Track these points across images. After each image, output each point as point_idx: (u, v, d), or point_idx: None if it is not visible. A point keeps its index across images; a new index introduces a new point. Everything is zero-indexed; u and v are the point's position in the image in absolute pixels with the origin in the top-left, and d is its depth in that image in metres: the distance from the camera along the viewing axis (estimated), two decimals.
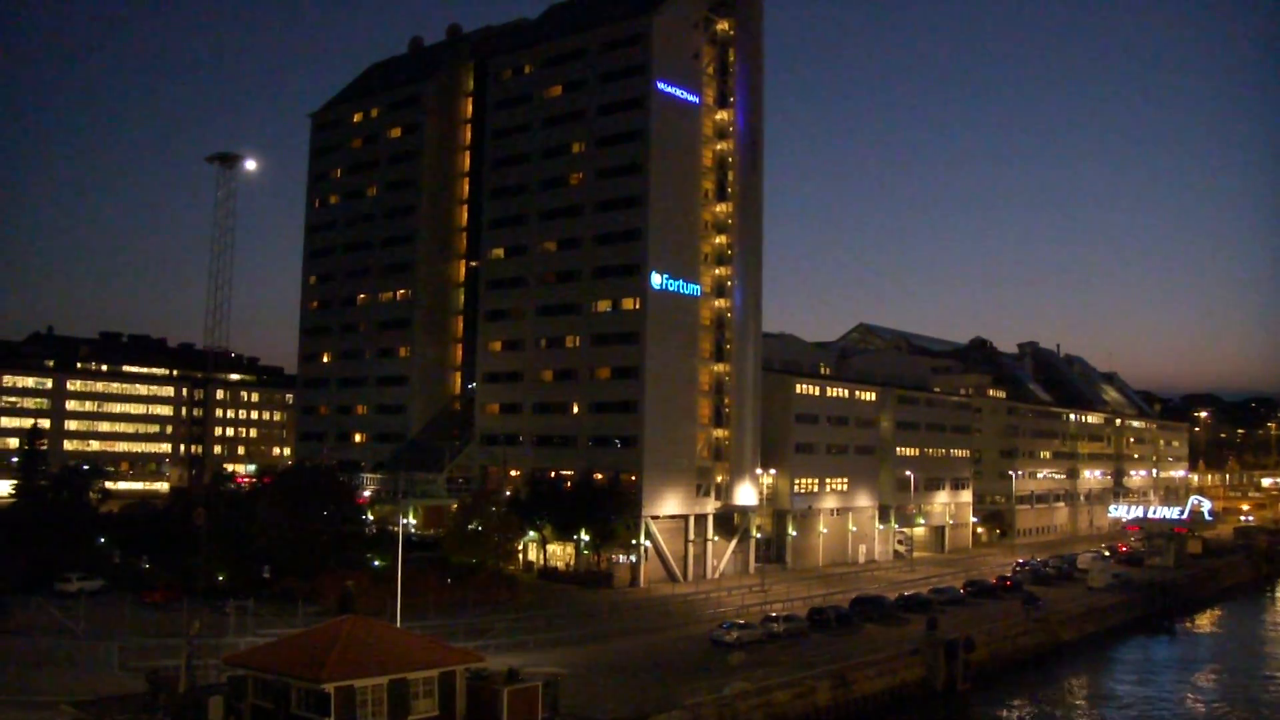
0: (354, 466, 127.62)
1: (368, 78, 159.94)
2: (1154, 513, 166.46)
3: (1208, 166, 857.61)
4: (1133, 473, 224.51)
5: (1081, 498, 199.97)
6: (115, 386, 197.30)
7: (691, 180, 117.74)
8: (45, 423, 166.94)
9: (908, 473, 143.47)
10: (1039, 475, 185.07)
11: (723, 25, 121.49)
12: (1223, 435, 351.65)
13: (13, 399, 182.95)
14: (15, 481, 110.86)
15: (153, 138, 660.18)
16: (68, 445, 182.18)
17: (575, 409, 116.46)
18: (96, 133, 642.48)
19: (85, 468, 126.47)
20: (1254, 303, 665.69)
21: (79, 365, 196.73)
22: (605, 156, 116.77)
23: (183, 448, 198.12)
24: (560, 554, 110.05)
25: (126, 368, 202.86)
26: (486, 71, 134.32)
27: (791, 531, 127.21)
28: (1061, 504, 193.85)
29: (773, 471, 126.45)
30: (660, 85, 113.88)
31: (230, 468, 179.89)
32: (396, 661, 47.32)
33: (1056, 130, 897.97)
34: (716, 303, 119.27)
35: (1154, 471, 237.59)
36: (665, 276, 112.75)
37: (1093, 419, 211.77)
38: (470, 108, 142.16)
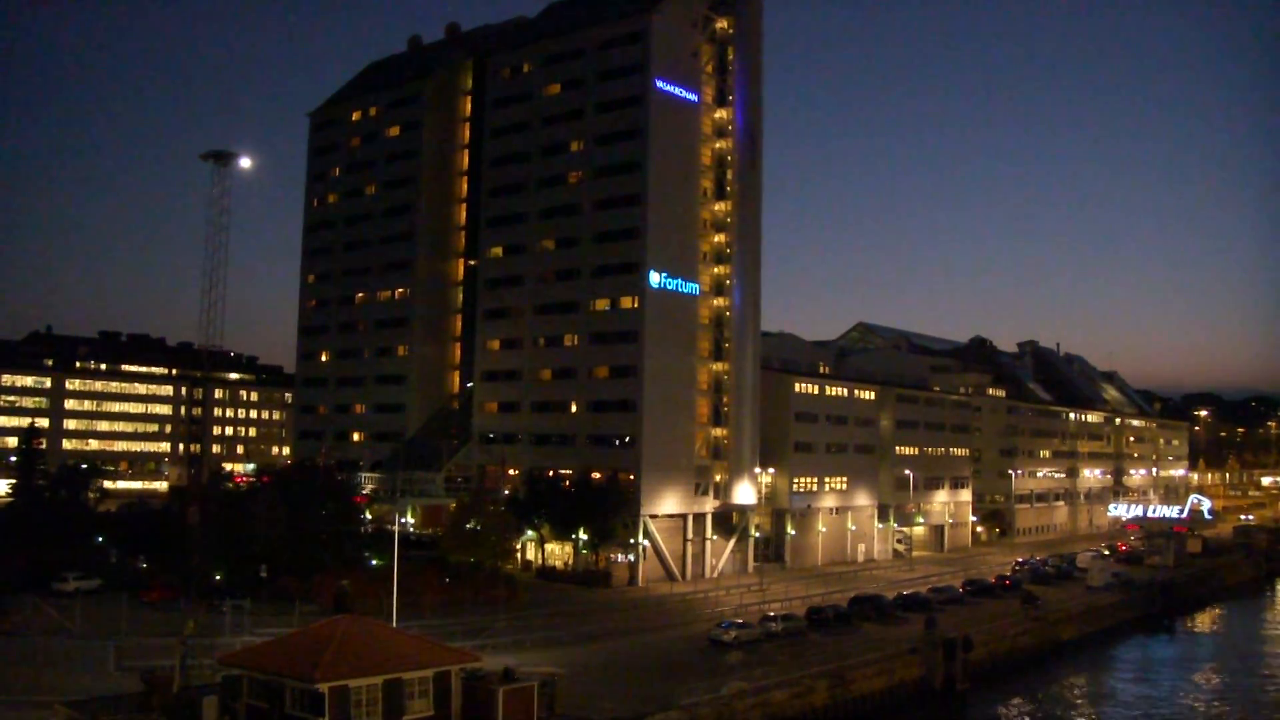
0: (352, 465, 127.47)
1: (366, 76, 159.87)
2: (1154, 512, 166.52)
3: (1208, 166, 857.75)
4: (1132, 472, 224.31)
5: (1081, 497, 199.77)
6: (114, 386, 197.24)
7: (690, 179, 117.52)
8: (44, 422, 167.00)
9: (907, 472, 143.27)
10: (1038, 474, 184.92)
11: (722, 23, 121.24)
12: (1223, 434, 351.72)
13: (11, 398, 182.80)
14: (13, 481, 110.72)
15: (153, 137, 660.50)
16: (67, 444, 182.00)
17: (574, 408, 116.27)
18: (96, 132, 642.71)
19: (83, 467, 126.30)
20: (1254, 302, 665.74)
21: (78, 364, 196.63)
22: (604, 155, 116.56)
23: (181, 447, 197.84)
24: (558, 553, 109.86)
25: (125, 367, 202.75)
26: (485, 70, 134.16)
27: (790, 530, 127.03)
28: (1061, 503, 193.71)
29: (771, 470, 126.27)
30: (659, 83, 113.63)
31: (229, 467, 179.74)
32: (391, 661, 47.12)
33: (1056, 130, 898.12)
34: (715, 301, 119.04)
35: (1154, 470, 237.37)
36: (664, 275, 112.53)
37: (1092, 418, 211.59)
38: (469, 106, 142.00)
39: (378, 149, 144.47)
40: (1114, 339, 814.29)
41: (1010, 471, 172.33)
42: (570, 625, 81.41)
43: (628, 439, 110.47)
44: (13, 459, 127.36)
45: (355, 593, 79.79)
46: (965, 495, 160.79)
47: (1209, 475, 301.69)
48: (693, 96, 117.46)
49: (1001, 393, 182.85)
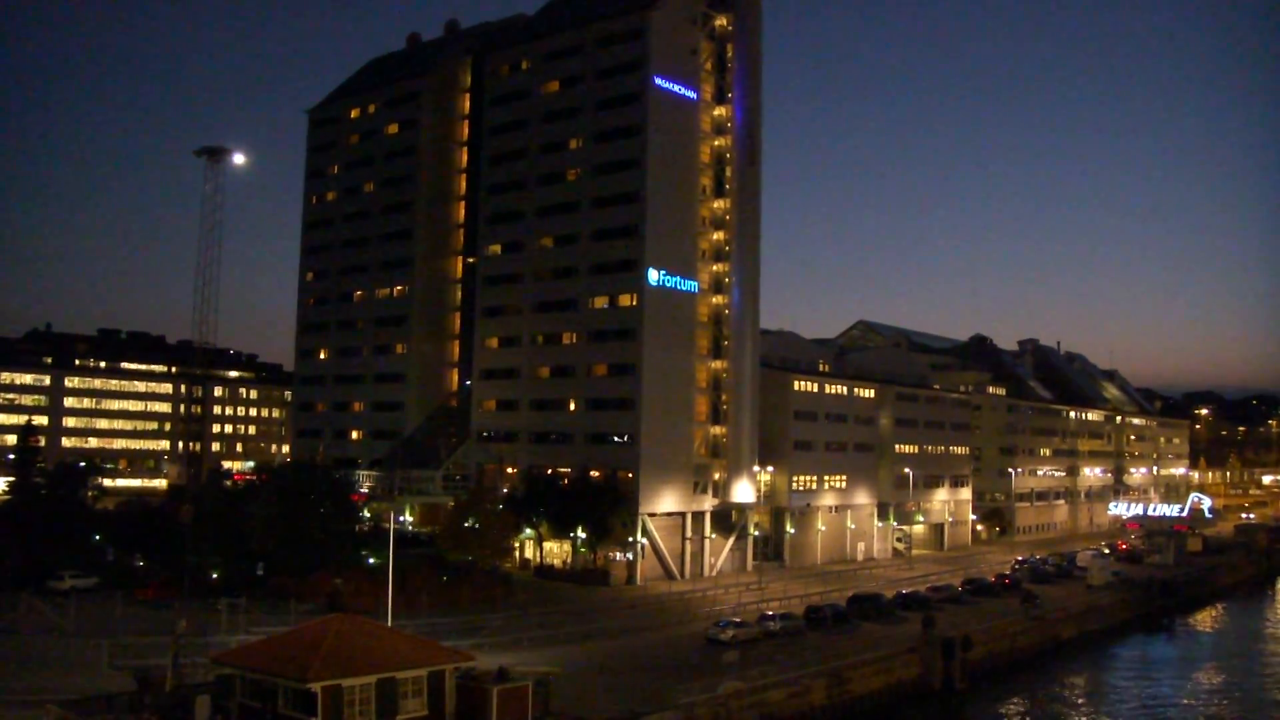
0: (350, 463, 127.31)
1: (365, 74, 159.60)
2: (1154, 510, 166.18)
3: (1208, 165, 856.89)
4: (1133, 470, 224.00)
5: (1081, 495, 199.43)
6: (113, 383, 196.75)
7: (689, 176, 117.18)
8: (43, 420, 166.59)
9: (907, 470, 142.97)
10: (1039, 473, 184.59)
11: (721, 21, 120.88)
12: (1223, 432, 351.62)
13: (11, 396, 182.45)
14: (10, 479, 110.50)
15: (152, 134, 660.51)
16: (66, 442, 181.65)
17: (572, 406, 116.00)
18: (95, 129, 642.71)
19: (81, 465, 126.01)
20: (1254, 300, 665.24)
21: (77, 362, 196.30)
22: (603, 152, 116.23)
23: (180, 445, 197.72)
24: (557, 551, 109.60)
25: (124, 364, 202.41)
26: (484, 67, 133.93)
27: (789, 529, 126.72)
28: (1061, 501, 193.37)
29: (770, 469, 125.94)
30: (658, 81, 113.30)
31: (227, 464, 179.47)
32: (385, 660, 46.80)
33: (1056, 129, 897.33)
34: (714, 299, 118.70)
35: (1154, 469, 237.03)
36: (663, 273, 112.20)
37: (1093, 416, 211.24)
38: (468, 104, 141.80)
39: (377, 146, 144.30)
40: (1114, 337, 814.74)
41: (1010, 470, 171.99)
42: (568, 624, 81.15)
43: (626, 437, 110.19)
44: (11, 457, 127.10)
45: (352, 591, 79.93)
46: (965, 494, 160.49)
47: (1210, 474, 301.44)
48: (692, 94, 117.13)
49: (1002, 391, 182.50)
